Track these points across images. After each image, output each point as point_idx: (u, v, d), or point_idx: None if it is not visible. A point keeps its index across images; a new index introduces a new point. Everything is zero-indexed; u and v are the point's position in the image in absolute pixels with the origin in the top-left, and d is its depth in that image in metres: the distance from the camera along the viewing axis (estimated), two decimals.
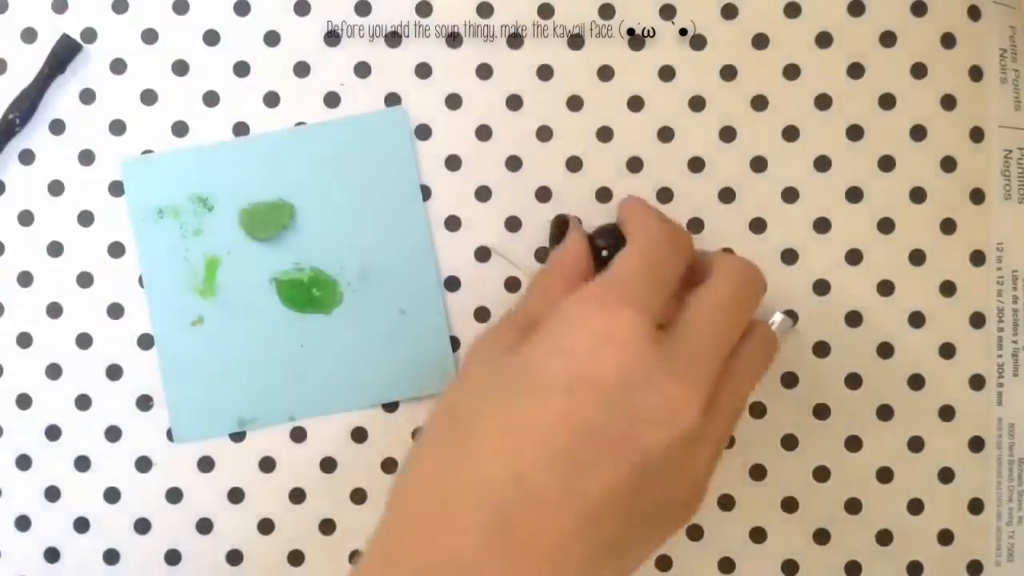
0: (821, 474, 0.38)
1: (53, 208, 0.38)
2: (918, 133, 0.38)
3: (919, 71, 0.38)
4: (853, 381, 0.38)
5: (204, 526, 0.38)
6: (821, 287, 0.38)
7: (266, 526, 0.38)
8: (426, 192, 0.38)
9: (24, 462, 0.38)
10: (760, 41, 0.38)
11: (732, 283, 0.32)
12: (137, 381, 0.38)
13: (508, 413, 0.29)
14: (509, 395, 0.30)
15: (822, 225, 0.38)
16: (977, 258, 0.38)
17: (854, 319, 0.38)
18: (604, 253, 0.35)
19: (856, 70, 0.38)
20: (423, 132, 0.38)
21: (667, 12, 0.38)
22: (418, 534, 0.29)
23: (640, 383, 0.29)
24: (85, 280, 0.38)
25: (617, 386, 0.29)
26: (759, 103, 0.38)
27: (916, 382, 0.38)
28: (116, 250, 0.38)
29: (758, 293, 0.33)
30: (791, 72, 0.38)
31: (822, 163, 0.38)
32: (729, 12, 0.38)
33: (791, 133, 0.38)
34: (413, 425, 0.38)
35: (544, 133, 0.38)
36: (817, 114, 0.38)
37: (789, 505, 0.38)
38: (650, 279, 0.31)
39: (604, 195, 0.38)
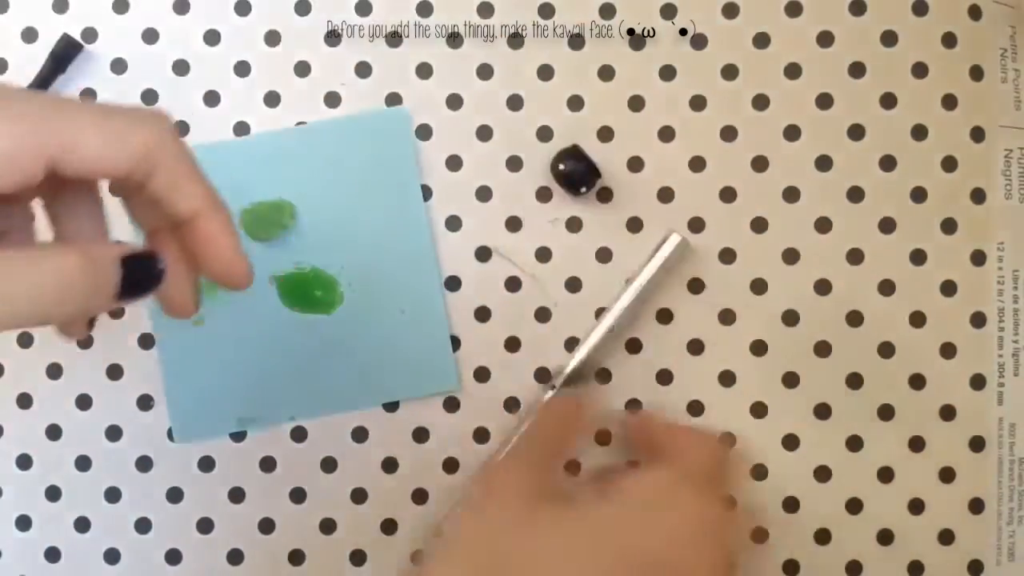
0: (821, 474, 0.38)
1: None
2: (919, 133, 0.38)
3: (920, 71, 0.38)
4: (853, 381, 0.38)
5: (204, 526, 0.38)
6: (822, 287, 0.38)
7: (266, 526, 0.38)
8: (426, 192, 0.38)
9: (25, 462, 0.38)
10: (761, 41, 0.38)
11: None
12: (137, 381, 0.38)
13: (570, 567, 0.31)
14: (573, 553, 0.31)
15: (823, 225, 0.38)
16: (978, 258, 0.38)
17: (855, 319, 0.38)
18: (560, 167, 0.37)
19: (857, 69, 0.38)
20: (423, 132, 0.38)
21: (667, 12, 0.38)
22: None
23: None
24: None
25: None
26: (760, 103, 0.38)
27: (917, 382, 0.38)
28: None
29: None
30: (792, 71, 0.38)
31: (823, 162, 0.38)
32: (730, 11, 0.38)
33: (792, 132, 0.38)
34: (413, 425, 0.38)
35: (545, 133, 0.38)
36: (818, 113, 0.38)
37: (789, 505, 0.38)
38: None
39: (605, 195, 0.38)
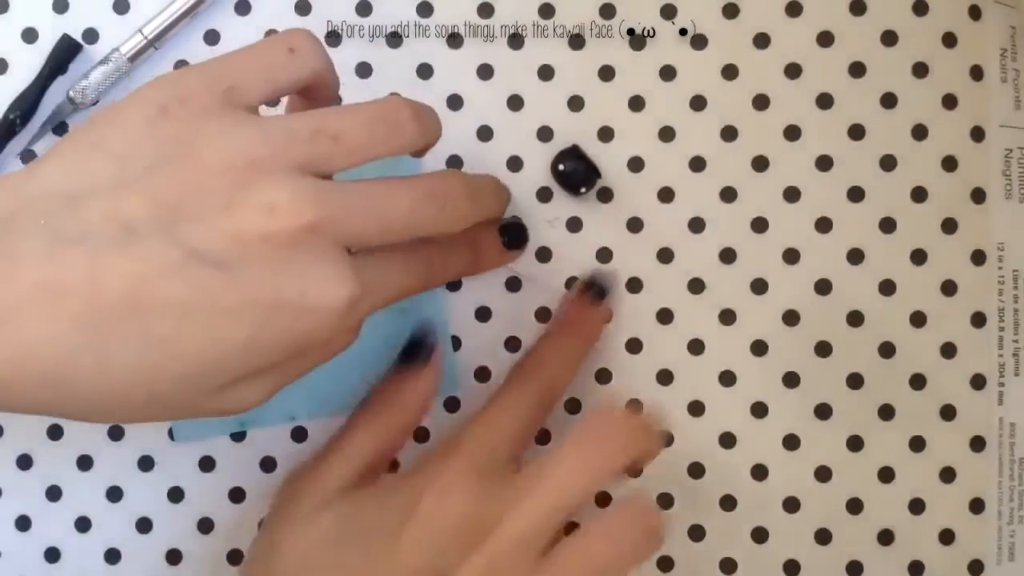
0: (821, 474, 0.38)
1: None
2: (919, 132, 0.38)
3: (920, 70, 0.38)
4: (854, 381, 0.38)
5: (205, 526, 0.38)
6: (822, 287, 0.38)
7: None
8: None
9: (25, 462, 0.38)
10: (761, 40, 0.38)
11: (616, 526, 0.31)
12: None
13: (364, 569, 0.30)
14: (365, 554, 0.31)
15: (823, 225, 0.38)
16: (978, 258, 0.38)
17: (855, 319, 0.38)
18: (561, 167, 0.37)
19: (857, 69, 0.38)
20: None
21: (668, 12, 0.38)
22: None
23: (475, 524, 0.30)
24: None
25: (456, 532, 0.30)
26: (760, 103, 0.38)
27: (917, 382, 0.38)
28: None
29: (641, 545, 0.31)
30: (792, 71, 0.38)
31: (823, 163, 0.38)
32: (730, 12, 0.38)
33: (792, 132, 0.38)
34: None
35: (545, 133, 0.38)
36: (818, 113, 0.38)
37: (790, 505, 0.38)
38: (494, 443, 0.33)
39: (605, 195, 0.38)
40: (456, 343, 0.38)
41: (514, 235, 0.37)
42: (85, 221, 0.25)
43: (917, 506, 0.38)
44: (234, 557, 0.38)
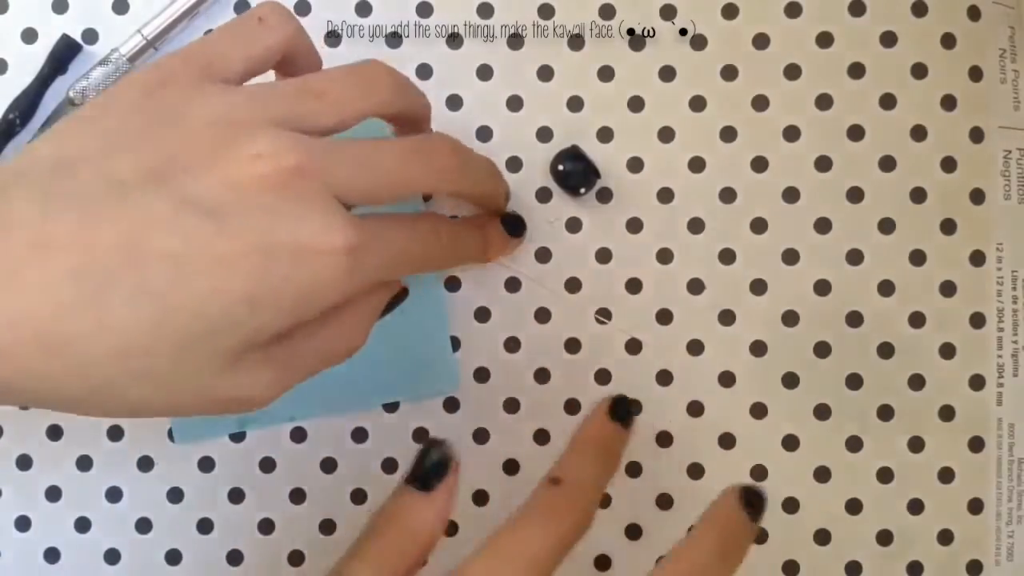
0: (821, 474, 0.38)
1: None
2: (918, 133, 0.38)
3: (919, 71, 0.38)
4: (853, 381, 0.38)
5: (204, 526, 0.38)
6: (821, 287, 0.38)
7: (266, 526, 0.38)
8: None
9: (25, 462, 0.38)
10: (760, 41, 0.38)
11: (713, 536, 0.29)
12: None
13: None
14: None
15: (823, 225, 0.38)
16: (977, 258, 0.38)
17: (854, 319, 0.38)
18: (560, 168, 0.37)
19: (856, 70, 0.38)
20: None
21: (667, 12, 0.38)
22: None
23: None
24: None
25: None
26: (760, 103, 0.38)
27: (916, 382, 0.38)
28: None
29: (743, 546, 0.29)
30: (792, 72, 0.38)
31: (823, 163, 0.38)
32: (729, 12, 0.38)
33: (792, 133, 0.38)
34: (413, 425, 0.38)
35: (544, 134, 0.38)
36: (818, 114, 0.38)
37: (789, 505, 0.38)
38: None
39: (605, 195, 0.38)
40: (456, 343, 0.38)
41: (513, 224, 0.37)
42: (76, 182, 0.25)
43: (916, 506, 0.38)
44: (233, 557, 0.38)
